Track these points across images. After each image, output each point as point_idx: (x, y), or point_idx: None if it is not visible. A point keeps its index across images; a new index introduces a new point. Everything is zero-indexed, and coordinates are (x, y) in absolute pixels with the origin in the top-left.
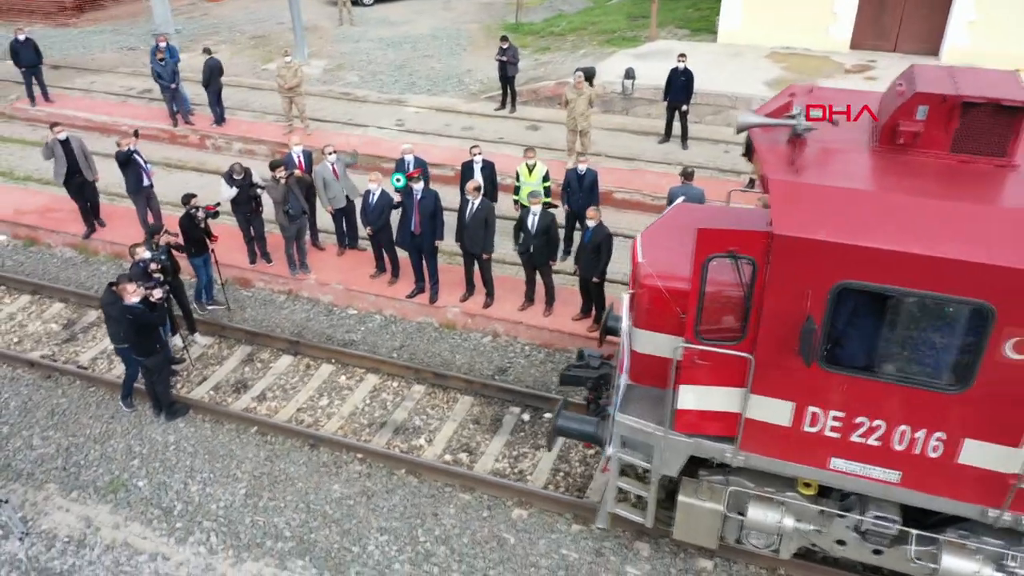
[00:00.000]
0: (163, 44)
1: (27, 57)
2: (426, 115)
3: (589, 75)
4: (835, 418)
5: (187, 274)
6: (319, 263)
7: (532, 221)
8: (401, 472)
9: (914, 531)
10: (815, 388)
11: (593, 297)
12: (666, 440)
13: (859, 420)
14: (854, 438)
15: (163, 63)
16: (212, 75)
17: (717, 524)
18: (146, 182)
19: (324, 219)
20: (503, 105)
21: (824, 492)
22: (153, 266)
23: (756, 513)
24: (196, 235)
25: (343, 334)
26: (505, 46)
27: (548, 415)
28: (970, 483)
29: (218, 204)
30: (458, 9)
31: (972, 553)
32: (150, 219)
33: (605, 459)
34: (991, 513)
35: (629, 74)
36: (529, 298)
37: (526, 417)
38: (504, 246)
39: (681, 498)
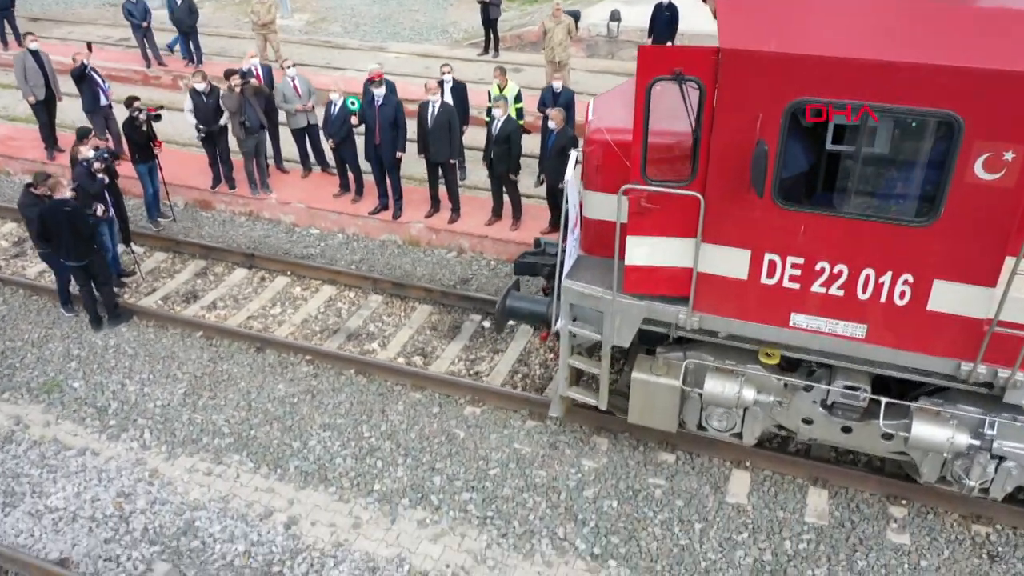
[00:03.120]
0: None
1: None
2: (406, 60)
3: (574, 17)
4: (794, 266)
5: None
6: (282, 184)
7: (495, 126)
8: (350, 372)
9: (884, 399)
10: (771, 231)
11: (561, 207)
12: (616, 304)
13: (820, 266)
14: (815, 288)
15: (134, 1)
16: (187, 16)
17: (674, 403)
18: (103, 101)
19: (290, 149)
20: (486, 50)
21: (790, 368)
22: (97, 165)
23: (714, 385)
24: (139, 139)
25: (301, 249)
26: None
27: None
28: (941, 333)
29: (160, 107)
30: None
31: (945, 420)
32: (109, 141)
33: (553, 335)
34: (964, 367)
35: (614, 16)
36: (496, 213)
37: (486, 324)
38: (478, 173)
39: (635, 375)
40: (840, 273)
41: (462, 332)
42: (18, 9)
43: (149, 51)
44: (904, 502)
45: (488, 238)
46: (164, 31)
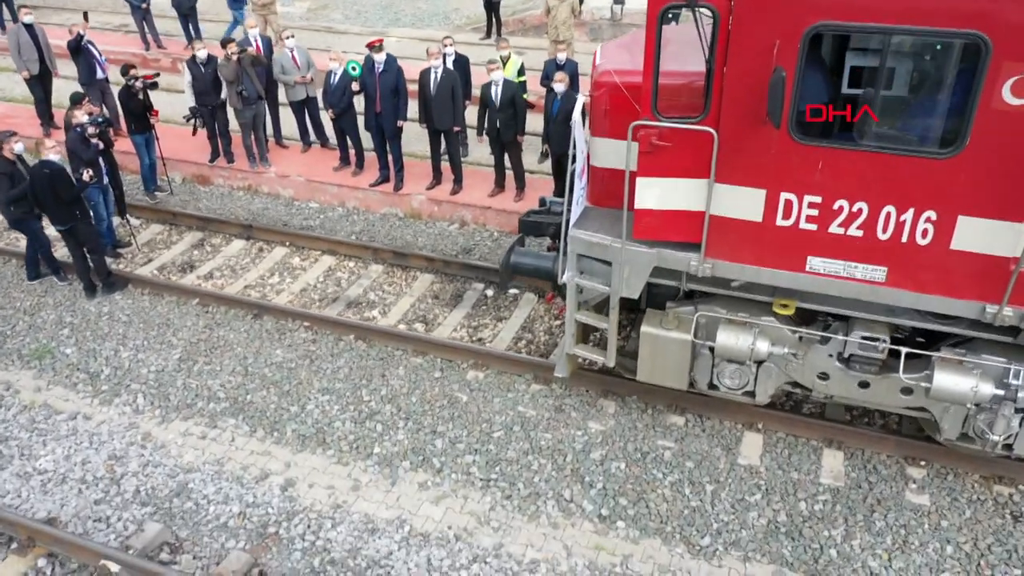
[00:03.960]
0: None
1: None
2: (407, 43)
3: None
4: (811, 205)
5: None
6: (281, 158)
7: (495, 92)
8: (350, 338)
9: (904, 348)
10: (788, 168)
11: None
12: (625, 252)
13: (838, 205)
14: (833, 228)
15: None
16: None
17: (685, 358)
18: (100, 74)
19: (289, 128)
20: (488, 34)
21: (806, 321)
22: (91, 130)
23: (727, 337)
24: (135, 107)
25: (300, 221)
26: None
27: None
28: (965, 274)
29: (157, 74)
30: None
31: (968, 370)
32: (104, 109)
33: (558, 297)
34: (990, 310)
35: None
36: (499, 184)
37: (489, 292)
38: (480, 150)
39: (645, 329)
40: (859, 212)
41: (464, 301)
42: None
43: (148, 34)
44: (923, 463)
45: (491, 209)
46: (164, 18)
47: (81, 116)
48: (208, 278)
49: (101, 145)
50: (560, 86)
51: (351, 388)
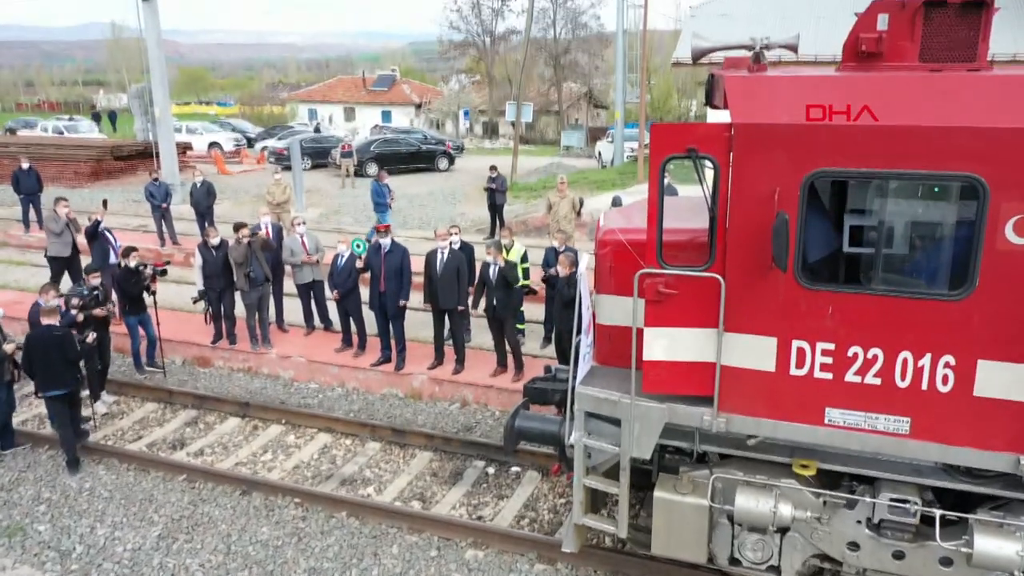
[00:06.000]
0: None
1: (28, 185)
2: (414, 240)
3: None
4: (825, 352)
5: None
6: (283, 341)
7: (492, 272)
8: (342, 515)
9: (938, 511)
10: (797, 314)
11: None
12: (635, 408)
13: (852, 351)
14: (850, 377)
15: (157, 184)
16: (204, 198)
17: (703, 527)
18: (113, 259)
19: (292, 312)
20: (492, 234)
21: (831, 485)
22: (75, 300)
23: (746, 500)
24: (133, 292)
25: (299, 399)
26: (494, 175)
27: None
28: (994, 423)
29: (167, 262)
30: (458, 179)
31: (1011, 533)
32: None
33: (565, 467)
34: None
35: (616, 202)
36: (501, 364)
37: (491, 470)
38: (482, 336)
39: (658, 494)
40: (875, 359)
41: (464, 478)
42: (47, 200)
43: (165, 231)
44: None
45: (493, 388)
46: (182, 220)
47: (49, 298)
48: (199, 455)
49: (80, 317)
50: (561, 268)
51: (340, 568)
